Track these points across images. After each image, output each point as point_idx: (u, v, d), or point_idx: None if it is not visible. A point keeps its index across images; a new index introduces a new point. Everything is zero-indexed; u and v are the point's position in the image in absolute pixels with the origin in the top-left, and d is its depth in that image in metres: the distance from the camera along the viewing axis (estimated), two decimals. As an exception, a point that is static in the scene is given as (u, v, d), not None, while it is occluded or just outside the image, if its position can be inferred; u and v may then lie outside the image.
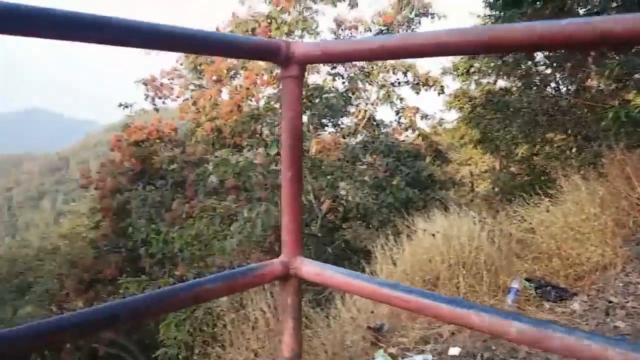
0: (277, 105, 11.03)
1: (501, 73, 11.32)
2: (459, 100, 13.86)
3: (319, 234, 8.63)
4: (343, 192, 10.48)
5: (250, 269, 1.05)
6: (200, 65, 13.36)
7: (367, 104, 14.64)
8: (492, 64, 11.11)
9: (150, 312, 0.90)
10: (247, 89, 12.94)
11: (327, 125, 13.62)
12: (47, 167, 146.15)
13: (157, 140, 11.94)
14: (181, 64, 13.55)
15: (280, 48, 1.01)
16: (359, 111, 14.30)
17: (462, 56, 11.19)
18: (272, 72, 13.94)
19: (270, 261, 1.11)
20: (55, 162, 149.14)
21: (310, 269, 1.11)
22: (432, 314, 0.87)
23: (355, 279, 0.99)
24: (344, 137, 13.24)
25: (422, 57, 0.82)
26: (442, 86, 13.16)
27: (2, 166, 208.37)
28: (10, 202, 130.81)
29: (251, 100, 13.03)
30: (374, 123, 14.37)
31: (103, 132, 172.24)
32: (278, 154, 10.19)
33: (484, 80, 13.51)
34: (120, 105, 11.78)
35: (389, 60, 12.84)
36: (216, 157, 11.36)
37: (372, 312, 3.95)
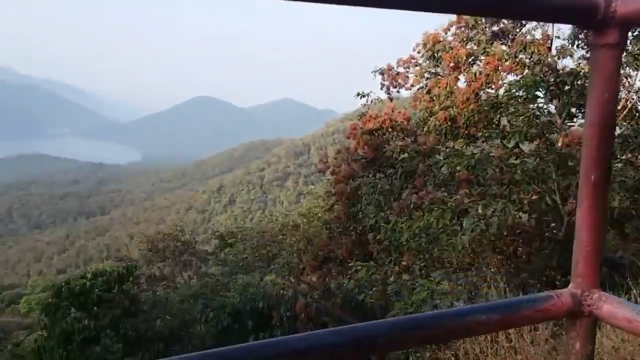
0: (519, 93, 10.08)
1: None
2: None
3: (564, 240, 7.61)
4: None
5: (531, 300, 0.82)
6: (437, 52, 13.16)
7: (629, 91, 12.38)
8: None
9: (414, 339, 0.76)
10: (487, 75, 12.22)
11: (577, 116, 11.98)
12: (292, 152, 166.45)
13: (390, 129, 12.23)
14: (418, 52, 13.56)
15: (597, 6, 0.74)
16: (619, 100, 12.15)
17: None
18: (515, 57, 12.86)
19: (557, 291, 0.85)
20: (299, 147, 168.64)
21: (615, 309, 0.81)
22: None
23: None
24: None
25: None
26: None
27: (258, 149, 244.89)
28: (262, 180, 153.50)
29: (491, 88, 12.28)
30: (637, 114, 12.09)
31: (340, 121, 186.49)
32: (516, 146, 9.33)
33: None
34: (358, 94, 12.40)
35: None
36: (447, 148, 11.06)
37: None
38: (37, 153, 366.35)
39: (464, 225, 5.85)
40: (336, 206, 11.93)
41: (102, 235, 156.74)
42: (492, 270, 6.45)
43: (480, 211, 5.96)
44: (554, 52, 12.70)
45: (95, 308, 12.36)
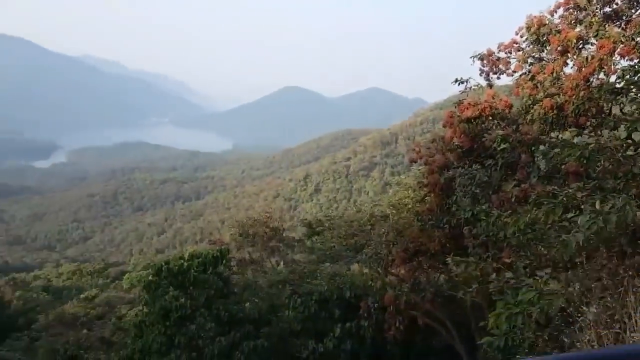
0: (635, 79, 9.07)
1: None
2: None
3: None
4: None
5: None
6: (543, 36, 12.21)
7: None
8: None
9: None
10: (600, 59, 11.13)
11: None
12: (379, 141, 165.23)
13: (490, 118, 11.57)
14: (521, 36, 12.68)
15: None
16: None
17: None
18: (633, 40, 11.60)
19: None
20: (387, 137, 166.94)
21: None
22: None
23: None
24: None
25: None
26: None
27: (345, 139, 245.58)
28: (348, 170, 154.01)
29: (604, 74, 11.19)
30: None
31: (429, 110, 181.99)
32: (629, 137, 8.41)
33: None
34: (456, 81, 11.86)
35: None
36: (552, 137, 10.25)
37: None
38: (139, 141, 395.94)
39: (579, 221, 5.34)
40: (428, 197, 11.54)
41: (196, 219, 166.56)
42: (606, 270, 5.87)
43: (597, 206, 5.40)
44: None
45: (191, 288, 13.03)
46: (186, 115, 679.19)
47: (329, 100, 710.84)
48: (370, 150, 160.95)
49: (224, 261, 14.65)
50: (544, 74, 12.06)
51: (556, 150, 7.41)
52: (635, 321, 4.40)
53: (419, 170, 13.86)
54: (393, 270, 12.05)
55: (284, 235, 21.40)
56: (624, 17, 12.46)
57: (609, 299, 4.99)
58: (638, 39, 11.71)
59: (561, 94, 11.38)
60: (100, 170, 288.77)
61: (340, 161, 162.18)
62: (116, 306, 48.53)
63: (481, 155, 11.49)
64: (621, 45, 11.83)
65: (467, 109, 11.47)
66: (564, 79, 11.77)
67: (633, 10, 12.37)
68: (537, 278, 5.56)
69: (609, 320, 4.71)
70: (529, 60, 12.95)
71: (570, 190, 6.19)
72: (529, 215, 6.11)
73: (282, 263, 20.75)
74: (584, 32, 12.51)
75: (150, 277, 13.59)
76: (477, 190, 10.41)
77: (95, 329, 38.92)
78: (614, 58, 11.76)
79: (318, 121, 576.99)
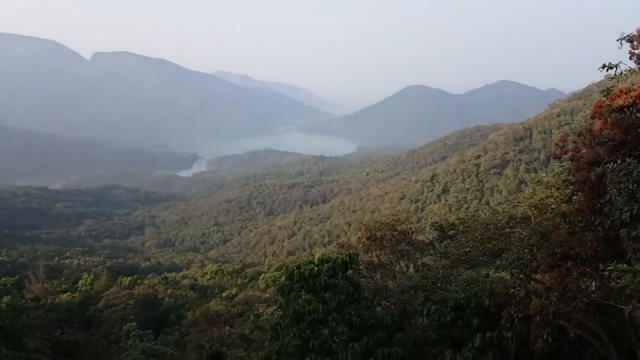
0: None
1: None
2: None
3: None
4: None
5: None
6: None
7: None
8: None
9: None
10: None
11: None
12: (511, 137, 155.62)
13: (647, 104, 10.13)
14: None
15: None
16: None
17: None
18: None
19: None
20: (520, 132, 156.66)
21: None
22: None
23: None
24: None
25: None
26: None
27: (473, 136, 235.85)
28: (478, 168, 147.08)
29: None
30: None
31: (567, 101, 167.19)
32: None
33: None
34: (604, 66, 10.58)
35: None
36: None
37: None
38: (269, 148, 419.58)
39: None
40: (576, 197, 10.44)
41: (323, 222, 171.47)
42: None
43: None
44: None
45: (322, 292, 13.28)
46: (311, 121, 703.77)
47: (454, 96, 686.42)
48: (502, 146, 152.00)
49: (353, 265, 14.73)
50: None
51: None
52: None
53: (562, 166, 12.67)
54: (538, 277, 11.11)
55: (412, 238, 20.95)
56: None
57: None
58: None
59: None
60: (236, 177, 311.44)
61: (470, 159, 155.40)
62: (254, 305, 51.90)
63: (637, 148, 10.13)
64: None
65: (619, 96, 10.18)
66: None
67: None
68: None
69: None
70: None
71: None
72: None
73: (411, 267, 20.34)
74: None
75: (283, 280, 14.13)
76: (635, 188, 9.18)
77: (236, 326, 41.95)
78: None
79: (443, 119, 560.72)
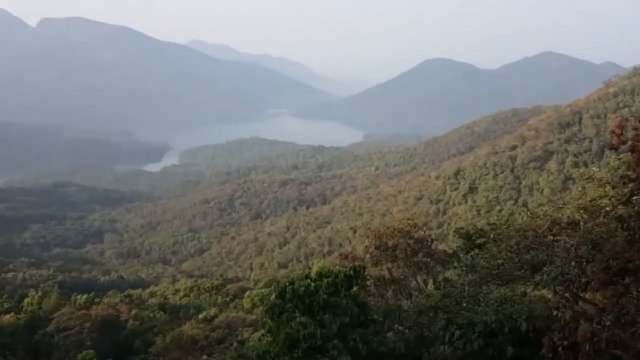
0: None
1: None
2: None
3: None
4: None
5: None
6: None
7: None
8: None
9: None
10: None
11: None
12: (556, 123, 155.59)
13: None
14: None
15: None
16: None
17: None
18: None
19: None
20: (566, 117, 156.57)
21: None
22: None
23: None
24: None
25: None
26: None
27: (508, 121, 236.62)
28: (514, 161, 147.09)
29: None
30: None
31: (627, 77, 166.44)
32: None
33: None
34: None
35: None
36: None
37: None
38: (255, 137, 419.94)
39: None
40: (637, 197, 10.38)
41: (323, 227, 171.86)
42: None
43: None
44: None
45: (321, 313, 13.23)
46: (308, 103, 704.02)
47: (484, 72, 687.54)
48: (543, 134, 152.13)
49: (358, 281, 14.67)
50: None
51: None
52: None
53: (620, 159, 12.60)
54: (587, 296, 11.06)
55: (432, 247, 20.93)
56: None
57: None
58: None
59: None
60: (215, 172, 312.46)
61: (503, 150, 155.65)
62: (237, 329, 51.99)
63: None
64: None
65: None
66: None
67: None
68: None
69: None
70: None
71: None
72: None
73: (431, 283, 20.30)
74: None
75: (273, 300, 14.07)
76: None
77: (216, 354, 42.01)
78: None
79: (471, 100, 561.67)
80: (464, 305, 13.77)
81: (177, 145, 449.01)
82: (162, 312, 64.08)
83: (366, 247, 21.96)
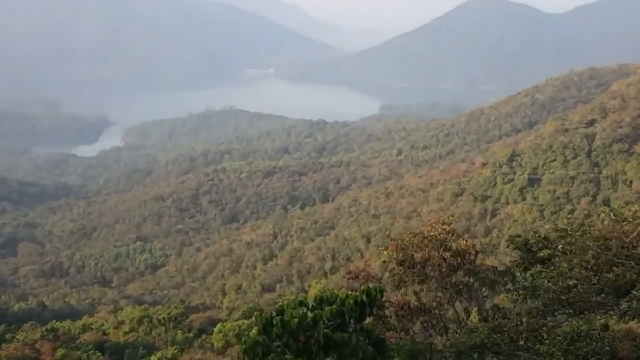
0: None
1: None
2: None
3: None
4: None
5: None
6: None
7: None
8: None
9: None
10: None
11: None
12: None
13: None
14: None
15: None
16: None
17: None
18: None
19: None
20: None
21: None
22: None
23: None
24: None
25: None
26: None
27: (584, 86, 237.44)
28: (591, 142, 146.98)
29: None
30: None
31: None
32: None
33: None
34: None
35: None
36: None
37: None
38: (230, 107, 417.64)
39: None
40: None
41: (323, 234, 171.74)
42: None
43: None
44: None
45: (321, 354, 13.28)
46: (304, 60, 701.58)
47: (550, 17, 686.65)
48: (633, 104, 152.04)
49: (373, 309, 14.71)
50: None
51: None
52: None
53: None
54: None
55: (476, 263, 21.01)
56: None
57: None
58: None
59: None
60: (174, 156, 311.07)
61: (577, 127, 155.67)
62: (204, 377, 52.15)
63: None
64: None
65: None
66: None
67: None
68: None
69: None
70: None
71: None
72: None
73: (474, 312, 20.40)
74: None
75: (254, 335, 14.10)
76: None
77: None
78: None
79: (532, 56, 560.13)
80: (521, 343, 13.86)
81: (120, 119, 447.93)
82: (100, 354, 64.24)
83: (385, 262, 22.06)
